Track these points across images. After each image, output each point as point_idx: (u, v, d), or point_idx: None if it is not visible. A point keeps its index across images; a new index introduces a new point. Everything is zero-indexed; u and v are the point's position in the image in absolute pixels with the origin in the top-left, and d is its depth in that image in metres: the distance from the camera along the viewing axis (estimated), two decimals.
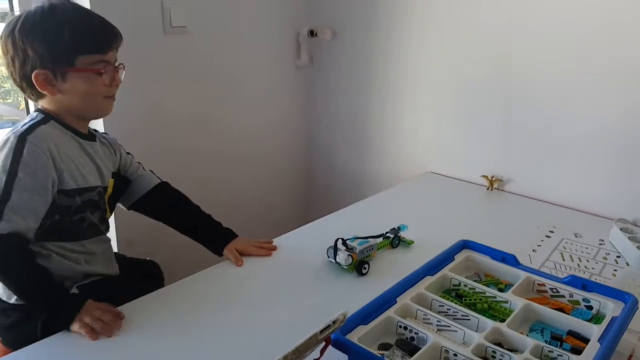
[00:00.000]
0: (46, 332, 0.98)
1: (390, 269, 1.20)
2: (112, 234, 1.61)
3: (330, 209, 1.60)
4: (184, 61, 1.72)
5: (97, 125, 1.55)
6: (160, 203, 1.29)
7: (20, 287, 0.99)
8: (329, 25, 2.05)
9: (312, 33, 2.07)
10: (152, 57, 1.63)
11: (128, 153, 1.27)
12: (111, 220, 1.55)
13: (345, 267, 1.17)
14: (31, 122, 1.03)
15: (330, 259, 1.19)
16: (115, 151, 1.22)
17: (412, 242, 1.32)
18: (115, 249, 1.28)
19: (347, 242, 1.20)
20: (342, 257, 1.16)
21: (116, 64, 1.09)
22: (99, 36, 1.05)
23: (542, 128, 1.62)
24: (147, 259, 1.32)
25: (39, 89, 1.02)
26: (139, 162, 1.28)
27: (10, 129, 1.03)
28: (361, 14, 1.96)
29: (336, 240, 1.19)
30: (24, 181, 0.96)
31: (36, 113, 1.07)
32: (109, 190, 1.17)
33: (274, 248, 1.30)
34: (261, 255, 1.26)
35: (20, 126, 1.02)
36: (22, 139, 0.98)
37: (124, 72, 1.10)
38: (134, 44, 1.56)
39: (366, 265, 1.18)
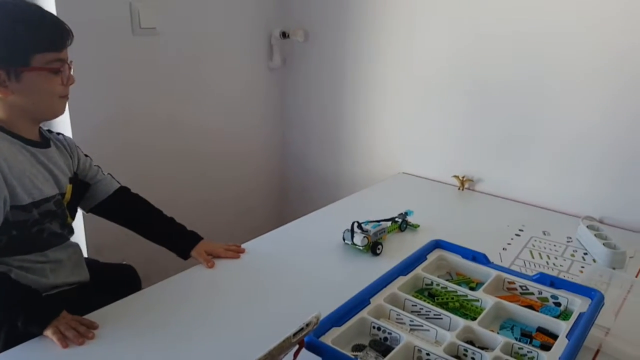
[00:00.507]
0: (8, 343, 0.96)
1: (400, 250, 1.29)
2: (81, 239, 1.58)
3: (305, 210, 1.60)
4: (154, 63, 1.70)
5: (65, 128, 1.51)
6: (120, 208, 1.27)
7: None
8: (301, 27, 2.05)
9: (284, 34, 2.07)
10: (121, 58, 1.61)
11: (86, 156, 1.24)
12: (79, 225, 1.53)
13: (361, 248, 1.28)
14: None
15: (346, 242, 1.31)
16: (73, 154, 1.18)
17: (418, 225, 1.45)
18: (85, 254, 1.25)
19: (362, 225, 1.31)
20: (359, 239, 1.27)
21: (68, 61, 1.06)
22: (55, 34, 1.02)
23: (511, 129, 1.66)
24: (124, 262, 1.30)
25: None
26: (97, 166, 1.25)
27: None
28: (333, 15, 1.96)
29: (352, 224, 1.29)
30: None
31: None
32: (67, 196, 1.13)
33: (242, 251, 1.29)
34: (229, 258, 1.25)
35: None
36: None
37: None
38: (103, 45, 1.54)
39: (380, 246, 1.29)
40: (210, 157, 1.98)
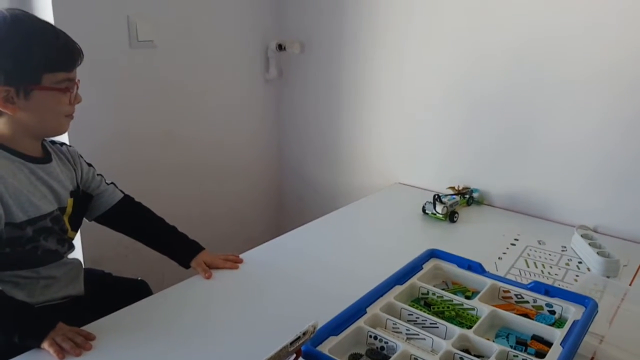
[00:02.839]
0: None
1: (469, 220, 1.61)
2: (78, 252, 1.58)
3: (301, 221, 1.61)
4: (151, 75, 1.72)
5: (62, 140, 1.52)
6: (124, 217, 1.28)
7: None
8: (297, 39, 2.07)
9: (280, 47, 2.09)
10: (119, 71, 1.62)
11: (90, 165, 1.24)
12: (77, 237, 1.53)
13: (441, 216, 1.55)
14: None
15: (427, 212, 1.60)
16: (76, 165, 1.19)
17: (483, 200, 1.74)
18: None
19: (441, 198, 1.58)
20: (440, 208, 1.55)
21: (76, 80, 1.07)
22: (66, 54, 1.03)
23: (506, 139, 1.67)
24: (139, 278, 1.30)
25: None
26: (100, 175, 1.26)
27: None
28: (329, 27, 1.98)
29: (434, 196, 1.58)
30: None
31: None
32: (69, 209, 1.13)
33: (240, 261, 1.30)
34: (227, 268, 1.26)
35: None
36: None
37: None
38: (100, 58, 1.56)
39: (456, 215, 1.58)
40: (207, 168, 1.99)
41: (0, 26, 0.98)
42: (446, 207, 1.55)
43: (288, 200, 2.36)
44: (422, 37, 1.77)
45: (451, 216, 1.57)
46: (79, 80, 1.07)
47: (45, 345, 0.93)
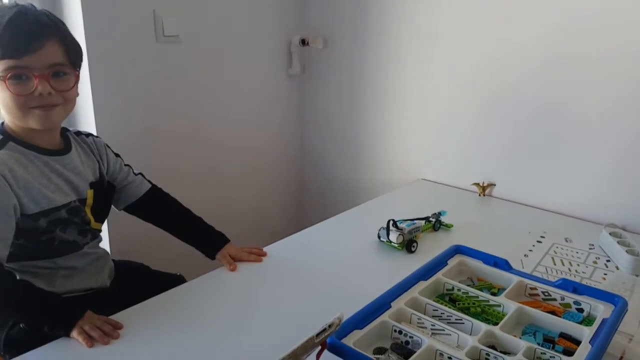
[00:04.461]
0: (7, 343, 1.01)
1: (433, 248, 1.31)
2: (105, 243, 1.60)
3: (323, 217, 1.61)
4: (176, 70, 1.73)
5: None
6: (152, 208, 1.29)
7: (16, 311, 0.99)
8: (321, 34, 2.07)
9: (303, 42, 2.09)
10: (145, 65, 1.64)
11: (117, 155, 1.24)
12: (104, 230, 1.55)
13: (396, 245, 1.32)
14: None
15: (382, 240, 1.36)
16: (101, 156, 1.19)
17: (452, 225, 1.49)
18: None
19: (397, 223, 1.35)
20: (394, 236, 1.32)
21: (56, 69, 1.00)
22: (13, 39, 0.95)
23: (533, 135, 1.65)
24: (178, 274, 1.30)
25: None
26: (128, 165, 1.26)
27: None
28: (352, 22, 1.98)
29: (388, 222, 1.34)
30: None
31: None
32: (89, 201, 1.13)
33: (264, 254, 1.30)
34: (251, 261, 1.27)
35: None
36: None
37: (67, 80, 1.02)
38: (127, 53, 1.58)
39: (415, 244, 1.34)
40: (230, 161, 2.01)
41: None
42: (402, 234, 1.32)
43: (310, 195, 2.37)
44: (446, 32, 1.76)
45: (408, 245, 1.33)
46: (59, 71, 1.00)
47: (74, 334, 0.95)
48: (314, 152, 2.29)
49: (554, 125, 1.60)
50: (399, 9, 1.84)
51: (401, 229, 1.34)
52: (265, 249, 1.33)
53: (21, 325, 1.03)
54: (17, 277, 0.99)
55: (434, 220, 1.47)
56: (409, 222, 1.38)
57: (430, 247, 1.34)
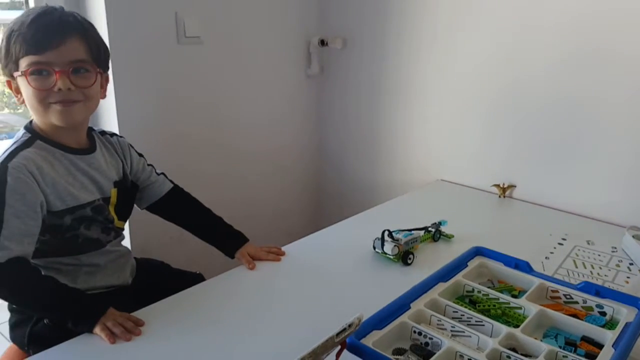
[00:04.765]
0: (31, 338, 1.04)
1: (432, 260, 1.25)
2: (126, 241, 1.63)
3: (341, 217, 1.61)
4: (196, 71, 1.75)
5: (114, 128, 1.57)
6: (173, 207, 1.31)
7: (40, 307, 1.01)
8: (340, 35, 2.07)
9: (322, 42, 2.09)
10: (166, 66, 1.66)
11: (141, 155, 1.26)
12: (125, 228, 1.57)
13: (391, 257, 1.25)
14: (13, 147, 1.01)
15: (377, 251, 1.28)
16: (125, 156, 1.21)
17: (452, 236, 1.41)
18: None
19: (393, 234, 1.27)
20: (389, 247, 1.24)
21: (77, 65, 1.01)
22: (37, 36, 0.97)
23: (553, 136, 1.63)
24: (198, 272, 1.31)
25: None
26: (151, 165, 1.28)
27: None
28: (372, 23, 1.98)
29: (383, 232, 1.26)
30: (14, 208, 0.95)
31: (22, 132, 1.05)
32: (113, 200, 1.15)
33: (282, 253, 1.31)
34: (270, 260, 1.27)
35: (3, 152, 1.01)
36: (3, 167, 0.97)
37: (87, 77, 1.03)
38: (149, 54, 1.60)
39: (411, 256, 1.26)
40: (248, 161, 2.02)
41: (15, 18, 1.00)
42: (397, 245, 1.25)
43: (327, 195, 2.37)
44: (466, 33, 1.75)
45: (404, 257, 1.26)
46: (81, 67, 1.02)
47: (97, 330, 0.96)
48: (331, 152, 2.29)
49: (577, 126, 1.58)
50: (419, 9, 1.84)
51: (397, 240, 1.26)
52: (283, 248, 1.34)
53: (45, 321, 1.06)
54: (43, 273, 1.01)
55: (433, 230, 1.39)
56: (406, 232, 1.30)
57: (429, 259, 1.28)
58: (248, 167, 2.02)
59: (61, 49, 0.99)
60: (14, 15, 1.05)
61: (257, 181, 2.07)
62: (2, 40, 1.00)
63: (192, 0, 1.67)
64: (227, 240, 1.30)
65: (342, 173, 2.28)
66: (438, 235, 1.40)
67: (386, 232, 1.27)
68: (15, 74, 1.00)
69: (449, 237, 1.41)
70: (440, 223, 1.41)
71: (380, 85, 2.02)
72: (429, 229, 1.39)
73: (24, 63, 0.98)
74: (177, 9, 1.63)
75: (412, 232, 1.30)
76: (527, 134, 1.68)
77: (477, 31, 1.72)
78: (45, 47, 0.98)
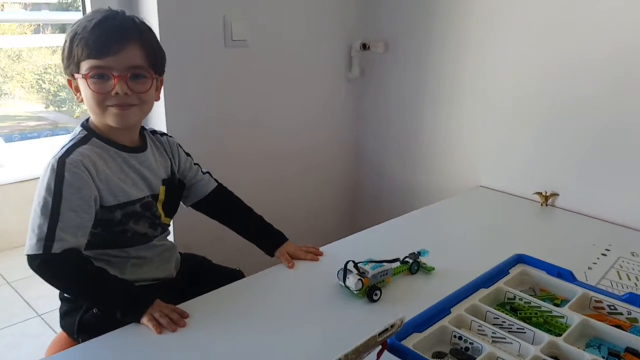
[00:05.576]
0: (80, 327, 1.08)
1: (405, 297, 1.11)
2: (170, 238, 1.68)
3: (376, 219, 1.62)
4: (242, 73, 1.79)
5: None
6: (217, 205, 1.35)
7: (92, 296, 1.05)
8: (382, 38, 2.08)
9: (364, 46, 2.11)
10: (213, 68, 1.71)
11: (188, 155, 1.31)
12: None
13: (355, 292, 1.09)
14: (70, 144, 1.06)
15: (340, 282, 1.13)
16: (174, 155, 1.25)
17: (433, 269, 1.22)
18: None
19: (360, 265, 1.12)
20: (352, 281, 1.08)
21: (135, 71, 1.06)
22: (99, 41, 1.02)
23: (598, 144, 1.60)
24: (237, 268, 1.34)
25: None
26: (197, 165, 1.33)
27: (52, 154, 1.05)
28: (415, 26, 1.98)
29: (346, 263, 1.12)
30: (70, 201, 1.00)
31: (79, 129, 1.11)
32: (161, 197, 1.20)
33: (320, 254, 1.33)
34: (308, 260, 1.29)
35: (60, 148, 1.06)
36: (61, 162, 1.02)
37: (144, 83, 1.08)
38: (197, 56, 1.65)
39: (378, 292, 1.09)
40: (287, 164, 2.05)
41: (79, 20, 1.06)
42: (362, 279, 1.08)
43: (363, 198, 2.38)
44: (511, 38, 1.73)
45: (370, 293, 1.09)
46: (138, 74, 1.06)
47: (144, 320, 1.00)
48: (369, 155, 2.30)
49: (622, 135, 1.54)
50: (463, 14, 1.83)
51: (363, 272, 1.10)
52: (321, 248, 1.36)
53: (94, 311, 1.10)
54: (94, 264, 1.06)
55: (411, 261, 1.21)
56: (375, 264, 1.13)
57: (401, 295, 1.11)
58: (286, 169, 2.05)
59: (121, 55, 1.03)
60: (62, 16, 1.10)
61: (294, 182, 2.10)
62: (66, 42, 1.05)
63: (240, 4, 1.72)
64: (267, 238, 1.33)
65: (379, 176, 2.28)
66: (416, 268, 1.21)
67: (351, 263, 1.11)
68: (76, 75, 1.06)
69: (428, 269, 1.22)
70: (419, 253, 1.23)
71: (422, 90, 2.02)
72: (406, 259, 1.21)
73: (85, 66, 1.04)
74: (225, 13, 1.67)
75: (383, 264, 1.14)
76: (572, 142, 1.66)
77: (524, 35, 1.70)
78: (106, 53, 1.02)
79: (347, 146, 2.30)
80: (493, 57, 1.79)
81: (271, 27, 1.83)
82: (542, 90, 1.69)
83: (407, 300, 1.09)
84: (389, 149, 2.21)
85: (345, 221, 2.38)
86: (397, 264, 1.19)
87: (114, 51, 1.03)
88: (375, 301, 1.09)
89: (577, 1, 1.56)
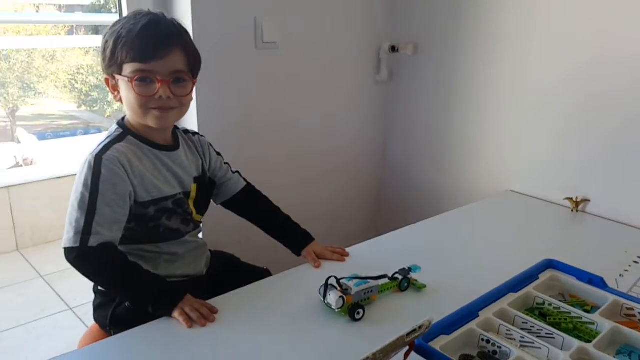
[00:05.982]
0: (112, 320, 1.11)
1: (392, 316, 1.05)
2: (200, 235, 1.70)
3: (401, 222, 1.62)
4: (272, 75, 1.81)
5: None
6: (245, 204, 1.37)
7: (124, 289, 1.08)
8: (411, 41, 2.07)
9: (393, 48, 2.11)
10: (244, 70, 1.73)
11: (219, 154, 1.33)
12: None
13: (336, 310, 1.03)
14: (107, 141, 1.10)
15: (321, 299, 1.07)
16: (205, 154, 1.28)
17: (424, 286, 1.15)
18: None
19: (343, 281, 1.06)
20: (333, 298, 1.02)
21: (177, 75, 1.09)
22: (145, 46, 1.05)
23: (631, 149, 1.57)
24: (265, 267, 1.36)
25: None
26: (227, 164, 1.35)
27: (89, 151, 1.09)
28: (444, 28, 1.97)
29: (328, 279, 1.06)
30: (106, 196, 1.03)
31: (115, 127, 1.14)
32: (193, 194, 1.22)
33: (347, 254, 1.33)
34: (334, 260, 1.30)
35: (97, 145, 1.09)
36: (98, 158, 1.05)
37: (185, 86, 1.11)
38: (229, 57, 1.68)
39: (360, 310, 1.03)
40: (313, 165, 2.07)
41: (119, 21, 1.08)
42: (344, 297, 1.02)
43: (389, 200, 2.38)
44: (543, 40, 1.71)
45: (352, 312, 1.02)
46: (181, 78, 1.10)
47: (175, 314, 1.02)
48: (396, 157, 2.30)
49: None
50: (493, 16, 1.82)
51: (346, 289, 1.04)
52: (347, 249, 1.36)
53: (126, 304, 1.13)
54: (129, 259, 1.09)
55: (400, 277, 1.13)
56: (360, 280, 1.06)
57: (387, 314, 1.05)
58: (312, 169, 2.07)
59: (165, 60, 1.07)
60: (95, 18, 1.14)
61: (320, 183, 2.11)
62: (107, 42, 1.08)
63: (271, 6, 1.74)
64: (294, 238, 1.35)
65: (406, 179, 2.28)
66: (406, 284, 1.14)
67: (333, 279, 1.06)
68: (117, 76, 1.09)
69: (419, 287, 1.15)
70: (410, 269, 1.16)
71: (451, 92, 2.01)
72: (396, 275, 1.14)
73: (129, 69, 1.06)
74: (256, 15, 1.70)
75: (368, 280, 1.07)
76: (604, 148, 1.63)
77: (554, 39, 1.68)
78: (152, 58, 1.05)
79: (374, 148, 2.31)
80: (526, 59, 1.77)
81: (300, 29, 1.85)
82: (576, 96, 1.67)
83: (393, 320, 1.03)
84: (416, 151, 2.21)
85: (369, 223, 2.38)
86: (385, 280, 1.12)
87: (159, 57, 1.06)
88: (357, 320, 1.03)
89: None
